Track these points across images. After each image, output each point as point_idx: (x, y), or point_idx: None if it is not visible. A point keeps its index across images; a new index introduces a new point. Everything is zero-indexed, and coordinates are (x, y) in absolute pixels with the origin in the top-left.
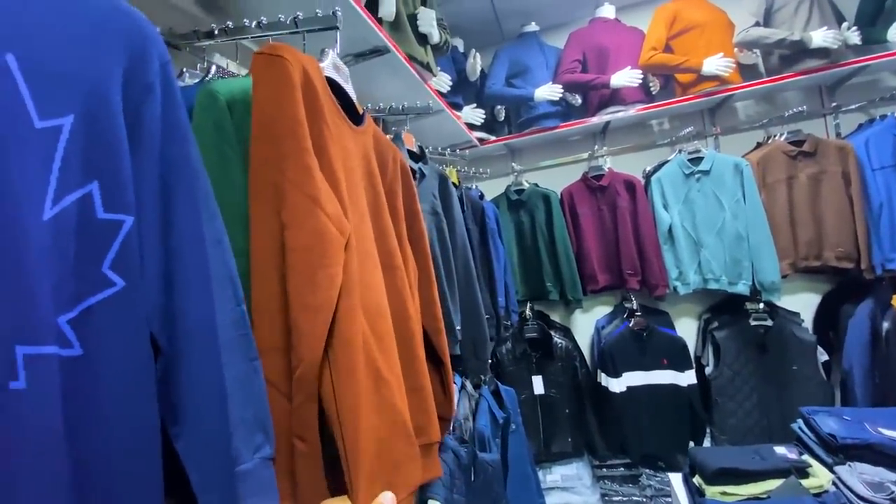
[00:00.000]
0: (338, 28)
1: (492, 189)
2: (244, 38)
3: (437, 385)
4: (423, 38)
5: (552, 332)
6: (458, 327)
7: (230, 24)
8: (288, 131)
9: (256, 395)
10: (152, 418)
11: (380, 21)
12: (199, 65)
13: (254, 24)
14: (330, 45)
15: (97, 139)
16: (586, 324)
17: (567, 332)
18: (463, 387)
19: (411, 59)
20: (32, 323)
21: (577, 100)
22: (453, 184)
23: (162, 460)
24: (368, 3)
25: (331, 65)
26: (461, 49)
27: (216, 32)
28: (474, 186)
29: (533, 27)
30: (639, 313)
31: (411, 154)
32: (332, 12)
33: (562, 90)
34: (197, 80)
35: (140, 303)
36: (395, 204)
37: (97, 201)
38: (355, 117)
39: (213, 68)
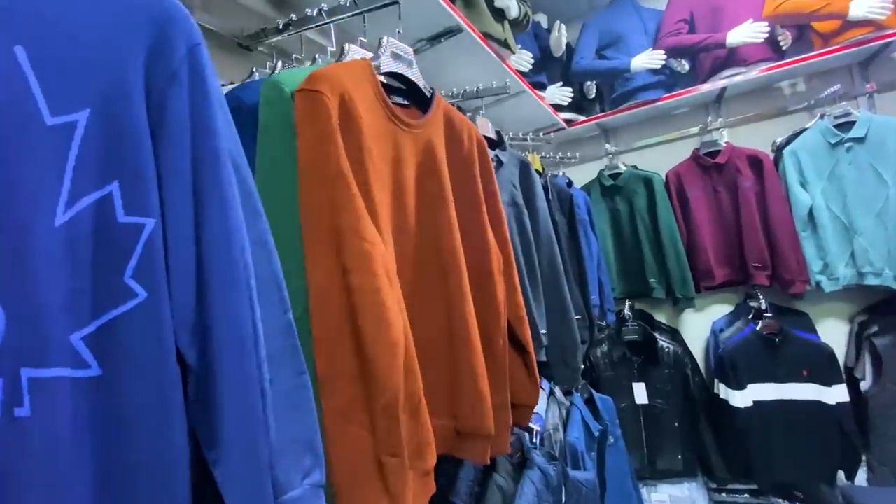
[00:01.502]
0: (398, 3)
1: (583, 175)
2: (309, 29)
3: (521, 372)
4: (499, 14)
5: (656, 335)
6: (544, 331)
7: (293, 16)
8: (335, 177)
9: (306, 412)
10: (180, 443)
11: None
12: (268, 63)
13: (315, 12)
14: (392, 26)
15: (117, 135)
16: (699, 325)
17: (675, 335)
18: (551, 393)
19: (487, 37)
20: (40, 343)
21: (685, 66)
22: (537, 171)
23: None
24: None
25: (389, 55)
26: (545, 25)
27: (281, 27)
28: (561, 173)
29: None
30: (769, 314)
31: (488, 141)
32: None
33: (664, 56)
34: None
35: (166, 315)
36: (472, 189)
37: (117, 203)
38: (422, 102)
39: (280, 65)
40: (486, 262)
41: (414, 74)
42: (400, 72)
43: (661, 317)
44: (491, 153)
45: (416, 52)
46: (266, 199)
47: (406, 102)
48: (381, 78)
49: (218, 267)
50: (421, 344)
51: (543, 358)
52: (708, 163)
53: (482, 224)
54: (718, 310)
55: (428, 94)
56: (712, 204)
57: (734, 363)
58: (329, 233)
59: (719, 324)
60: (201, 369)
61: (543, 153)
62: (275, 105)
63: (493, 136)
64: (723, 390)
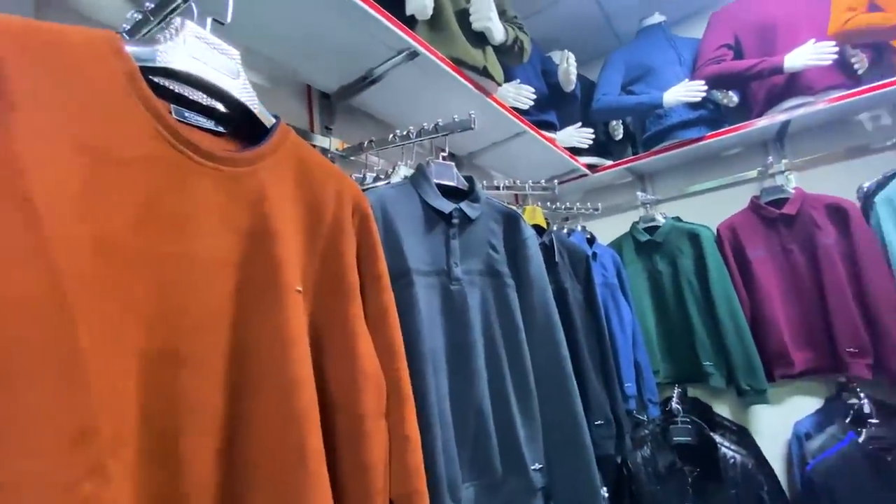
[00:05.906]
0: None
1: (613, 229)
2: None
3: None
4: (479, 38)
5: (717, 437)
6: (538, 466)
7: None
8: None
9: None
10: None
11: (412, 20)
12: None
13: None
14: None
15: None
16: (776, 423)
17: (742, 437)
18: None
19: (459, 63)
20: None
21: (733, 98)
22: (538, 227)
23: None
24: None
25: (188, 40)
26: (559, 60)
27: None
28: (580, 227)
29: (656, 18)
30: (874, 420)
31: (456, 191)
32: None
33: (704, 87)
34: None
35: None
36: (339, 273)
37: None
38: (252, 134)
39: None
40: (353, 398)
41: (238, 88)
42: (200, 75)
43: (722, 409)
44: (448, 207)
45: (377, 78)
46: None
47: (221, 130)
48: (166, 83)
49: None
50: None
51: None
52: (773, 214)
53: (352, 330)
54: (801, 404)
55: (267, 124)
56: (783, 267)
57: (830, 490)
58: None
59: (804, 426)
60: None
61: (558, 204)
62: None
63: (458, 184)
64: None
